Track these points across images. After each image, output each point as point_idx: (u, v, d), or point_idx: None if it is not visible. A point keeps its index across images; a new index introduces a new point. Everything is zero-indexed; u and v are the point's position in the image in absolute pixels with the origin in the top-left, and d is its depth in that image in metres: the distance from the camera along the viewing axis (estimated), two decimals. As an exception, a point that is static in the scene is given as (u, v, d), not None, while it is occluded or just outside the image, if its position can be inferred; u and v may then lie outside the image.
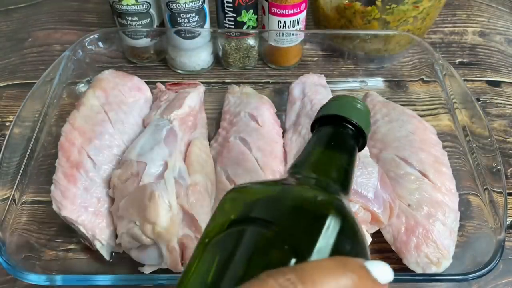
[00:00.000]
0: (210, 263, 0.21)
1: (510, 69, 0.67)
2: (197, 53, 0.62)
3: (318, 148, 0.29)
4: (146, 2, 0.58)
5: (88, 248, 0.45)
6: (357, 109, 0.31)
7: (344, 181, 0.27)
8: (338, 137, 0.30)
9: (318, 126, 0.31)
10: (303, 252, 0.20)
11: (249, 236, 0.21)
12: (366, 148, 0.47)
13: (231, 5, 0.58)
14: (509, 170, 0.54)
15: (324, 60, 0.66)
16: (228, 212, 0.23)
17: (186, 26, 0.59)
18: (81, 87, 0.59)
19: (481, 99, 0.62)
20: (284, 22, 0.59)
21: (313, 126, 0.32)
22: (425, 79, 0.61)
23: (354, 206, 0.40)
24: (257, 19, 0.62)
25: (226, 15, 0.59)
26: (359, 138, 0.31)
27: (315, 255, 0.20)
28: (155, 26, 0.61)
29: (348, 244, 0.22)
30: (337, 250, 0.21)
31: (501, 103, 0.62)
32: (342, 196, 0.26)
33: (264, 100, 0.55)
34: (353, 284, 0.18)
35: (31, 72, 0.65)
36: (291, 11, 0.58)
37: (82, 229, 0.43)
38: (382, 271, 0.20)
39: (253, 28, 0.62)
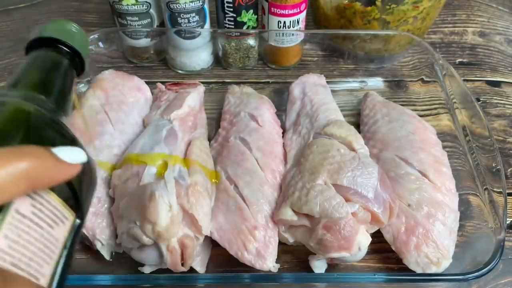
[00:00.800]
0: None
1: (510, 69, 0.67)
2: (197, 53, 0.62)
3: (33, 68, 0.30)
4: (146, 2, 0.58)
5: (88, 248, 0.45)
6: (71, 32, 0.33)
7: (57, 98, 0.29)
8: (50, 58, 0.31)
9: (33, 48, 0.33)
10: None
11: None
12: (366, 148, 0.47)
13: (231, 5, 0.58)
14: (509, 170, 0.54)
15: (324, 60, 0.66)
16: None
17: (186, 26, 0.59)
18: (81, 87, 0.59)
19: (481, 99, 0.62)
20: (284, 22, 0.59)
21: (28, 49, 0.33)
22: (425, 79, 0.61)
23: (354, 206, 0.40)
24: (257, 19, 0.62)
25: (226, 15, 0.59)
26: (75, 59, 0.33)
27: None
28: (155, 26, 0.61)
29: (32, 137, 0.23)
30: (21, 143, 0.22)
31: (501, 103, 0.62)
32: (57, 113, 0.28)
33: (264, 100, 0.55)
34: (28, 165, 0.19)
35: (31, 72, 0.65)
36: (291, 11, 0.58)
37: (82, 229, 0.43)
38: (69, 153, 0.22)
39: (253, 28, 0.62)
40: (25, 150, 0.20)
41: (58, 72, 0.31)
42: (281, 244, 0.43)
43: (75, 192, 0.24)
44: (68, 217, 0.23)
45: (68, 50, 0.32)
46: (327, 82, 0.59)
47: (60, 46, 0.32)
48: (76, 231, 0.24)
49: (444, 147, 0.50)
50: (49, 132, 0.24)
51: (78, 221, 0.24)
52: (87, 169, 0.24)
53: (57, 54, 0.32)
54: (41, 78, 0.30)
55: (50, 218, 0.21)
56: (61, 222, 0.22)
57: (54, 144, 0.22)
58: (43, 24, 0.33)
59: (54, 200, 0.22)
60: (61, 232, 0.22)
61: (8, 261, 0.19)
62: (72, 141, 0.25)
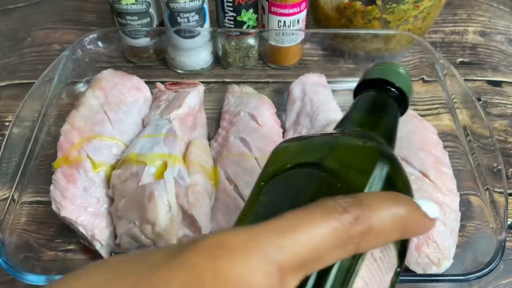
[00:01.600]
0: (268, 203, 0.23)
1: (511, 68, 0.67)
2: (197, 53, 0.62)
3: (364, 109, 0.31)
4: (146, 1, 0.58)
5: (87, 248, 0.45)
6: (399, 73, 0.33)
7: (389, 139, 0.30)
8: (381, 98, 0.32)
9: (361, 90, 0.33)
10: (357, 188, 0.22)
11: (308, 177, 0.23)
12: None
13: (231, 4, 0.58)
14: (510, 170, 0.54)
15: (324, 59, 0.66)
16: (282, 159, 0.25)
17: (185, 25, 0.59)
18: (81, 87, 0.59)
19: (481, 99, 0.62)
20: (284, 21, 0.59)
21: (356, 92, 0.33)
22: (425, 78, 0.60)
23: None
24: (257, 18, 0.62)
25: (226, 15, 0.59)
26: (401, 101, 0.32)
27: (368, 191, 0.22)
28: (154, 26, 0.61)
29: (397, 183, 0.24)
30: (387, 188, 0.23)
31: (502, 103, 0.62)
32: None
33: (264, 99, 0.55)
34: (405, 213, 0.20)
35: (31, 72, 0.65)
36: (291, 11, 0.58)
37: (81, 229, 0.42)
38: (431, 207, 0.22)
39: (253, 27, 0.62)
40: (401, 198, 0.20)
41: (393, 115, 0.31)
42: (281, 244, 0.43)
43: (404, 241, 0.23)
44: (396, 264, 0.22)
45: (397, 93, 0.32)
46: (327, 81, 0.59)
47: (392, 88, 0.32)
48: (397, 279, 0.23)
49: (445, 147, 0.50)
50: (406, 180, 0.25)
51: (399, 269, 0.23)
52: None
53: (388, 96, 0.32)
54: (384, 122, 0.30)
55: (387, 264, 0.21)
56: (391, 269, 0.22)
57: (411, 194, 0.23)
58: (373, 66, 0.34)
59: (393, 247, 0.22)
60: (389, 279, 0.22)
61: None
62: (412, 192, 0.25)
